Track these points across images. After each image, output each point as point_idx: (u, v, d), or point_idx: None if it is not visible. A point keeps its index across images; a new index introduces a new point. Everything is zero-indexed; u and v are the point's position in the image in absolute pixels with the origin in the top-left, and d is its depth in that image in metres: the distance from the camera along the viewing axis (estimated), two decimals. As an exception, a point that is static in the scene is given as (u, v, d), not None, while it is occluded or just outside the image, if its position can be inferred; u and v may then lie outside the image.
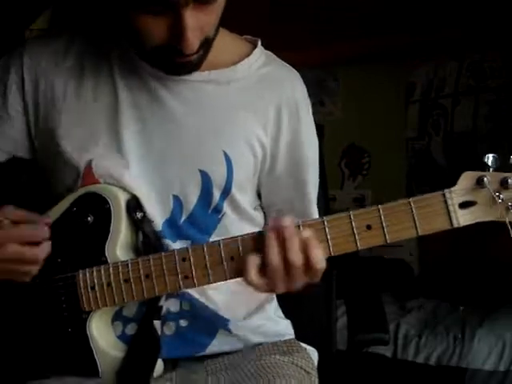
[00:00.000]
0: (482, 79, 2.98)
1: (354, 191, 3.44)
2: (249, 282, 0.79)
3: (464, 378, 2.19)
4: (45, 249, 0.85)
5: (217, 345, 0.96)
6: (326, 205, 1.35)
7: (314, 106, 1.04)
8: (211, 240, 0.93)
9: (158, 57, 0.86)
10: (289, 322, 1.08)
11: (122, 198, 0.89)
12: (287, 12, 2.63)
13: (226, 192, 0.93)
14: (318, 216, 1.02)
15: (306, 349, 1.04)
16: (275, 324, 1.04)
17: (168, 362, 0.93)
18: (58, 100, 0.93)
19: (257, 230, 1.01)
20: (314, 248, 0.77)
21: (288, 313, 1.09)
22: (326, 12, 2.72)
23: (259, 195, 1.01)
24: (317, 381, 1.00)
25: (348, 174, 3.47)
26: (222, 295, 0.94)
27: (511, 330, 2.22)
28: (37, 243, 0.84)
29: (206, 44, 0.85)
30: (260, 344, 1.00)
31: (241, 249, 0.80)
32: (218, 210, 0.94)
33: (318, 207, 1.04)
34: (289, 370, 0.93)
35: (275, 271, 0.77)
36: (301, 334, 1.08)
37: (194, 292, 0.93)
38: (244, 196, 0.96)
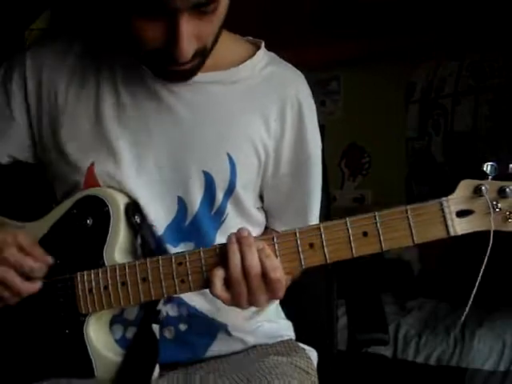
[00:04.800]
0: (482, 79, 2.98)
1: (354, 191, 3.44)
2: (215, 296, 0.79)
3: (464, 378, 2.19)
4: (34, 287, 0.86)
5: (217, 347, 0.97)
6: (328, 204, 1.35)
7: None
8: (216, 242, 0.93)
9: (152, 61, 0.85)
10: (289, 322, 1.08)
11: (121, 201, 0.89)
12: (287, 12, 2.64)
13: (230, 192, 0.93)
14: (317, 217, 1.02)
15: (305, 349, 1.04)
16: (275, 325, 1.04)
17: (167, 364, 0.93)
18: (61, 100, 0.93)
19: (259, 230, 1.02)
20: (269, 256, 0.78)
21: (289, 313, 1.09)
22: (326, 12, 2.72)
23: (261, 197, 1.01)
24: (316, 381, 1.00)
25: (348, 174, 3.47)
26: (217, 301, 0.95)
27: (511, 330, 2.22)
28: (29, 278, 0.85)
29: (203, 53, 0.83)
30: (259, 345, 1.00)
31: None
32: (220, 212, 0.94)
33: (319, 207, 1.04)
34: (288, 370, 0.93)
35: (237, 282, 0.78)
36: (302, 335, 1.08)
37: (188, 299, 0.93)
38: (248, 196, 0.96)
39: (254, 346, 0.99)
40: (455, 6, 2.62)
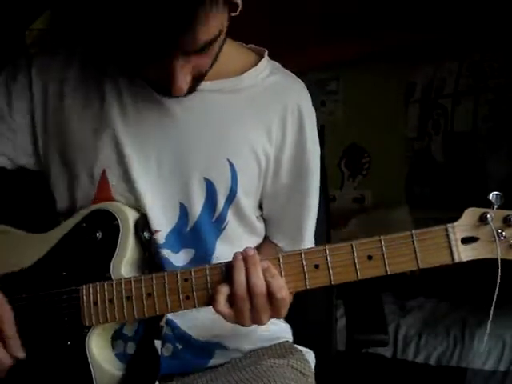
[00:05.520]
0: (482, 79, 2.98)
1: (354, 191, 3.44)
2: (218, 312, 0.80)
3: (464, 377, 2.19)
4: None
5: (215, 361, 0.97)
6: (327, 205, 1.35)
7: (314, 105, 1.04)
8: (216, 249, 0.94)
9: (150, 84, 0.86)
10: (286, 324, 1.08)
11: (131, 216, 0.89)
12: (288, 13, 2.63)
13: (231, 199, 0.93)
14: (312, 227, 1.02)
15: (301, 351, 1.04)
16: (274, 326, 1.04)
17: (164, 376, 0.93)
18: (67, 104, 0.92)
19: (258, 239, 1.02)
20: (274, 275, 0.79)
21: (288, 314, 1.09)
22: (326, 12, 2.72)
23: (260, 206, 1.01)
24: (314, 383, 1.00)
25: (348, 174, 3.46)
26: (212, 329, 0.94)
27: (511, 330, 2.22)
28: None
29: (199, 78, 0.84)
30: (257, 349, 1.00)
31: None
32: (221, 219, 0.94)
33: (319, 208, 1.04)
34: (285, 372, 0.93)
35: (241, 299, 0.78)
36: (301, 335, 1.08)
37: (183, 326, 0.94)
38: (248, 203, 0.96)
39: (252, 350, 1.00)
40: (455, 6, 2.62)
